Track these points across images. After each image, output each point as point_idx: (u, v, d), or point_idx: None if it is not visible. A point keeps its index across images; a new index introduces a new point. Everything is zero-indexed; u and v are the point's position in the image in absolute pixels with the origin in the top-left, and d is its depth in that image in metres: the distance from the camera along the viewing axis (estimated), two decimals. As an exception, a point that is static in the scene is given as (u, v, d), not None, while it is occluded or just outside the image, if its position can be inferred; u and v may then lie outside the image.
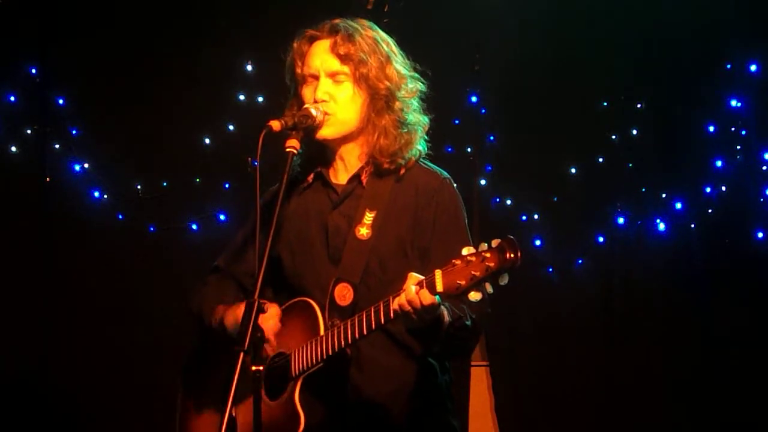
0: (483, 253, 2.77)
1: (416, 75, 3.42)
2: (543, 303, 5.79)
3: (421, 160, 3.42)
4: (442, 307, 3.00)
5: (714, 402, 5.62)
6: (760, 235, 5.61)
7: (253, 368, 2.84)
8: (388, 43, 3.39)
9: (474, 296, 2.80)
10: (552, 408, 5.78)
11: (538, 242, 5.80)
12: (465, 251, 2.81)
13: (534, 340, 5.79)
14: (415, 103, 3.39)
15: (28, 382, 5.66)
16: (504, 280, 2.76)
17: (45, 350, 5.70)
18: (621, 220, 5.77)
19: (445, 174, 3.42)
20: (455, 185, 3.43)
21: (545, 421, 5.79)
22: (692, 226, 5.70)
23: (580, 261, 5.82)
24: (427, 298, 2.87)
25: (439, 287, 2.84)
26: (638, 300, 5.75)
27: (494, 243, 2.77)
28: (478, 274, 2.76)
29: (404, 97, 3.35)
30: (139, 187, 5.80)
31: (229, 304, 3.38)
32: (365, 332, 3.06)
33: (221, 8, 5.77)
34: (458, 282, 2.80)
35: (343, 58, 3.30)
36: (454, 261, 2.82)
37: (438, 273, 2.84)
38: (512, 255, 2.72)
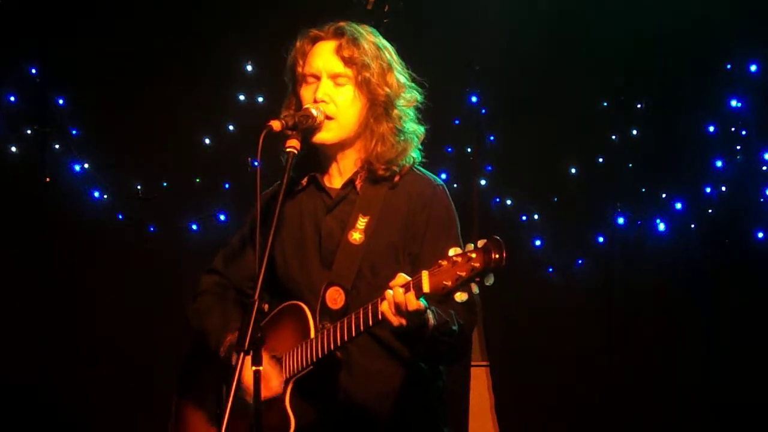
0: (469, 254, 2.77)
1: (414, 85, 3.42)
2: (543, 303, 5.78)
3: (416, 166, 3.41)
4: (428, 311, 2.99)
5: (714, 402, 5.62)
6: (760, 235, 5.61)
7: (253, 368, 2.83)
8: (389, 51, 3.39)
9: (460, 297, 2.79)
10: (552, 408, 5.78)
11: (538, 242, 5.80)
12: (451, 252, 2.81)
13: (534, 340, 5.79)
14: (411, 113, 3.40)
15: (27, 382, 5.66)
16: (489, 281, 2.76)
17: (45, 350, 5.70)
18: (621, 220, 5.77)
19: (439, 181, 3.42)
20: (448, 192, 3.41)
21: (545, 421, 5.79)
22: (692, 226, 5.71)
23: (580, 261, 5.82)
24: (414, 304, 2.86)
25: (426, 288, 2.83)
26: (638, 300, 5.75)
27: (480, 243, 2.77)
28: (463, 274, 2.76)
29: (402, 106, 3.36)
30: (139, 187, 5.80)
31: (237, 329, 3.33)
32: (354, 334, 3.07)
33: (221, 8, 5.77)
34: (444, 282, 2.79)
35: (347, 61, 3.30)
36: (440, 262, 2.82)
37: (425, 274, 2.84)
38: (497, 255, 2.72)
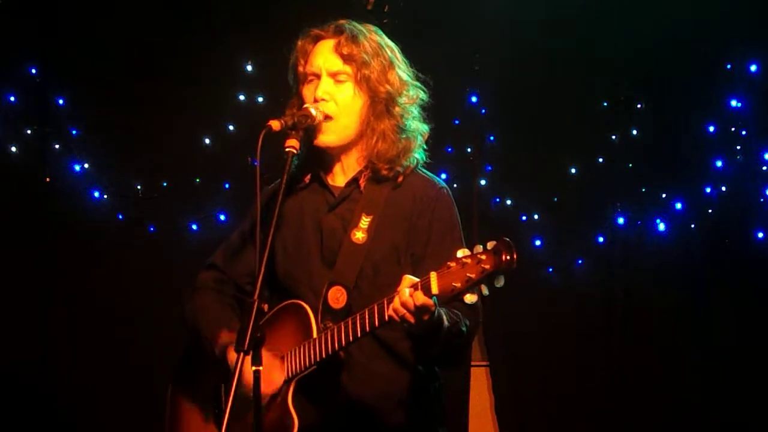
0: (478, 255, 2.75)
1: (418, 84, 3.41)
2: (543, 303, 5.79)
3: (419, 167, 3.40)
4: (440, 310, 2.98)
5: (714, 402, 5.62)
6: (760, 235, 5.61)
7: (253, 368, 2.83)
8: (392, 49, 3.38)
9: (470, 298, 2.78)
10: (552, 408, 5.78)
11: (538, 242, 5.80)
12: (460, 253, 2.79)
13: (534, 340, 5.79)
14: (415, 111, 3.38)
15: (27, 381, 5.66)
16: (500, 282, 2.75)
17: (45, 350, 5.70)
18: (621, 220, 5.77)
19: (443, 183, 3.41)
20: (452, 194, 3.40)
21: (545, 421, 5.79)
22: (692, 226, 5.71)
23: (580, 261, 5.82)
24: (421, 299, 2.85)
25: (434, 289, 2.82)
26: (638, 300, 5.76)
27: (489, 245, 2.75)
28: (473, 276, 2.75)
29: (405, 103, 3.34)
30: (139, 187, 5.80)
31: (232, 329, 3.25)
32: (359, 335, 3.05)
33: (221, 8, 5.77)
34: (453, 284, 2.78)
35: (346, 58, 3.29)
36: (449, 263, 2.80)
37: (433, 275, 2.82)
38: (508, 257, 2.71)
